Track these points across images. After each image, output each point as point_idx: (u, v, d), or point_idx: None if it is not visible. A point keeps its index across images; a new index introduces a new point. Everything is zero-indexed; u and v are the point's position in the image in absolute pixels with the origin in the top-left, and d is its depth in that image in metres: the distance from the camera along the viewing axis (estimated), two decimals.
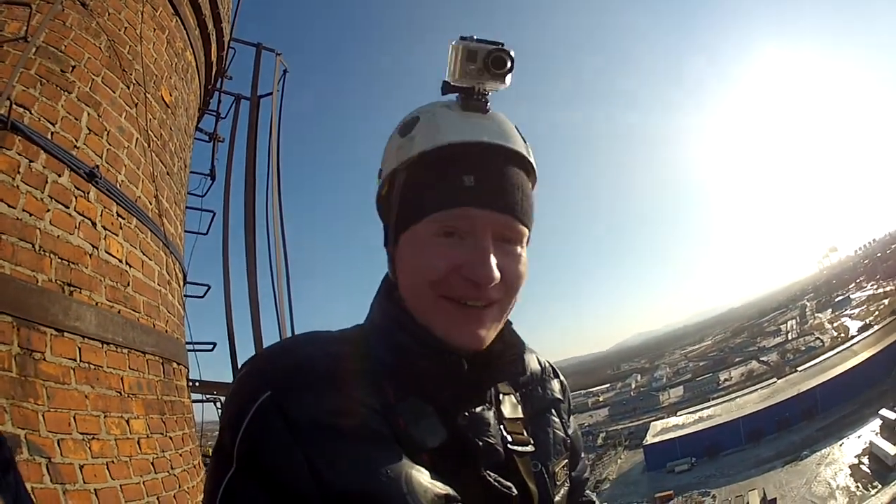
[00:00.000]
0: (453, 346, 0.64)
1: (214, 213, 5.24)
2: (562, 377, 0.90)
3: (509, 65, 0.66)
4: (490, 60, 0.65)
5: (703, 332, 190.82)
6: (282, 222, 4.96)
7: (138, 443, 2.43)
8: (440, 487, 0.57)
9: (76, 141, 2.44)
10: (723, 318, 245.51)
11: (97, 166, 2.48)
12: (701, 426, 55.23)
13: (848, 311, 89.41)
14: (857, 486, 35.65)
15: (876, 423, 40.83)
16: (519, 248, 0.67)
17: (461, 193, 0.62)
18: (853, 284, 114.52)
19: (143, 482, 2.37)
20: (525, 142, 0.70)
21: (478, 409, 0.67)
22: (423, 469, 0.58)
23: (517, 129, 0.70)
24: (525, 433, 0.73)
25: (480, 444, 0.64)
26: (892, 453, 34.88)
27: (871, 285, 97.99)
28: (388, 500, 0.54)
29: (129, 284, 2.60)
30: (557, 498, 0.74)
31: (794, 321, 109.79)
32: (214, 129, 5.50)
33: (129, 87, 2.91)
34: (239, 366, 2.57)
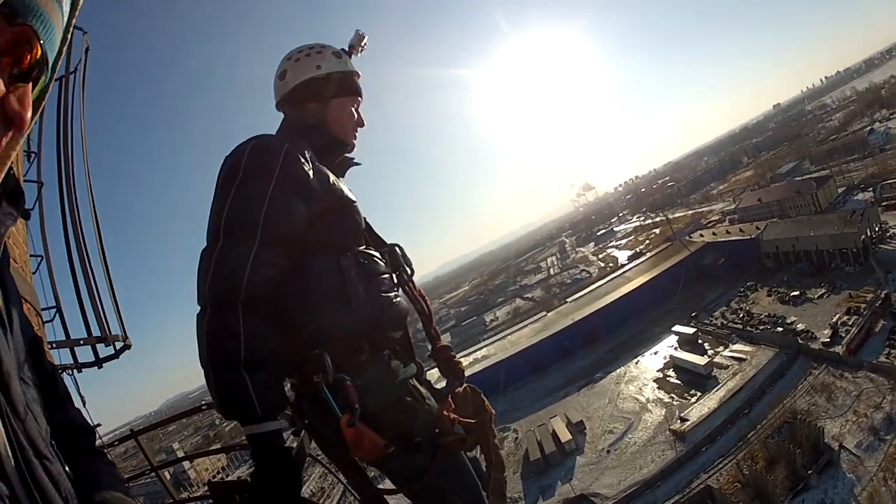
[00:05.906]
0: (346, 145, 1.70)
1: (42, 183, 5.04)
2: None
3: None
4: (356, 49, 1.76)
5: (458, 279, 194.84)
6: (92, 196, 5.11)
7: None
8: (353, 196, 1.59)
9: None
10: (476, 263, 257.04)
11: None
12: (479, 367, 52.52)
13: (614, 243, 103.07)
14: (672, 397, 35.57)
15: (671, 339, 42.66)
16: None
17: (358, 91, 1.72)
18: (615, 218, 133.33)
19: None
20: None
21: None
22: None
23: None
24: None
25: (349, 192, 1.60)
26: (702, 363, 35.28)
27: (638, 217, 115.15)
28: (346, 199, 1.55)
29: (10, 236, 2.92)
30: None
31: (553, 257, 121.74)
32: None
33: None
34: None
